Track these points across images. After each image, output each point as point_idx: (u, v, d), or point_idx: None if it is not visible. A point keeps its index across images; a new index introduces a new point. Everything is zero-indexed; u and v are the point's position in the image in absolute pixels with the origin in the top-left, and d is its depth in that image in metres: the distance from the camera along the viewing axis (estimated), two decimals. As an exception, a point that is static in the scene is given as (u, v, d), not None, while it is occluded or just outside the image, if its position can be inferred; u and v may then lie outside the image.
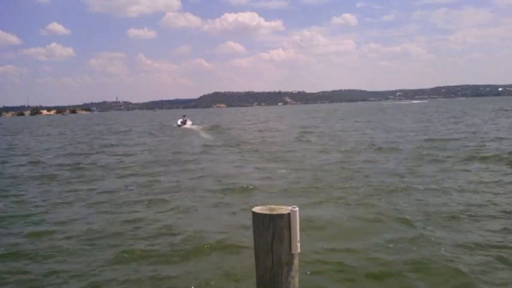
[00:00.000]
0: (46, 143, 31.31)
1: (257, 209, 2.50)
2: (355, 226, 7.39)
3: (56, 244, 7.02)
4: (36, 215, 8.92)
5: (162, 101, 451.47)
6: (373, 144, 19.60)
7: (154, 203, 9.62)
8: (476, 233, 6.73)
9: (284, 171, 13.27)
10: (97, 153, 21.64)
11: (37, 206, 9.74)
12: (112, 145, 26.05)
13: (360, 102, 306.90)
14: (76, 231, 7.65)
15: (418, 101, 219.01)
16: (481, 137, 20.90)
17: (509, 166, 12.50)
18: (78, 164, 17.02)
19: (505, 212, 7.84)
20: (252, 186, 10.82)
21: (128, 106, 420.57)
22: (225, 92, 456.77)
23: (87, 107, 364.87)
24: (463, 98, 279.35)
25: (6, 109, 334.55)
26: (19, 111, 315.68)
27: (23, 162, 18.46)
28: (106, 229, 7.72)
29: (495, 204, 8.42)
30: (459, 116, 44.72)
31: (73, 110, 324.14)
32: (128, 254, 6.42)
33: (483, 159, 14.05)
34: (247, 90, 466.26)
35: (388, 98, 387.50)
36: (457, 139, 20.52)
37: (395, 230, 7.10)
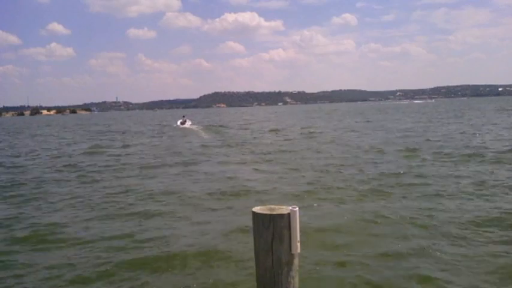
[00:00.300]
0: (44, 143, 31.26)
1: (257, 209, 2.50)
2: (353, 229, 7.33)
3: (43, 249, 6.90)
4: (26, 219, 8.70)
5: (162, 101, 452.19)
6: (373, 145, 19.60)
7: (150, 206, 9.40)
8: (475, 240, 6.61)
9: (283, 172, 13.26)
10: (93, 154, 21.43)
11: (29, 210, 9.56)
12: (110, 146, 25.86)
13: (359, 102, 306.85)
14: (65, 237, 7.39)
15: (419, 101, 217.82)
16: (482, 138, 20.92)
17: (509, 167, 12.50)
18: (72, 165, 16.78)
19: (504, 215, 7.80)
20: (250, 188, 10.70)
21: (127, 106, 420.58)
22: (225, 92, 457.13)
23: (87, 107, 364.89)
24: (465, 98, 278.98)
25: (6, 109, 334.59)
26: (19, 111, 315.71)
27: (18, 163, 18.42)
28: (97, 234, 7.47)
29: (495, 208, 8.40)
30: (462, 116, 44.68)
31: (73, 110, 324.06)
32: (120, 261, 6.18)
33: (484, 160, 14.06)
34: (247, 90, 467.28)
35: (388, 98, 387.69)
36: (459, 140, 20.53)
37: (392, 232, 7.08)
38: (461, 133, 23.85)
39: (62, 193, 11.29)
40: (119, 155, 19.96)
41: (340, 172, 12.71)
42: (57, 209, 9.51)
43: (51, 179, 13.57)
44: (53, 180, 13.34)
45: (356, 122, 43.04)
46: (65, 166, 16.57)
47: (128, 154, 20.34)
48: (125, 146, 24.91)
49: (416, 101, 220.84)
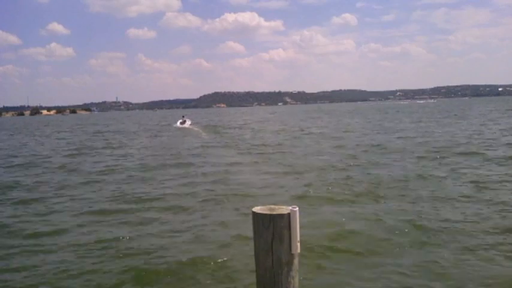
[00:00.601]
0: (42, 144, 31.21)
1: (257, 209, 2.51)
2: (352, 230, 7.32)
3: (25, 256, 6.67)
4: (20, 223, 8.45)
5: (162, 101, 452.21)
6: (373, 146, 19.59)
7: (147, 210, 9.14)
8: (474, 244, 6.59)
9: (283, 173, 13.24)
10: (91, 155, 21.04)
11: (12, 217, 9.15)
12: (108, 146, 25.59)
13: (359, 102, 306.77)
14: (57, 242, 7.16)
15: (420, 101, 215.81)
16: (485, 139, 20.90)
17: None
18: (69, 166, 16.48)
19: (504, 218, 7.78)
20: (250, 190, 10.55)
21: (127, 106, 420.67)
22: (225, 92, 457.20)
23: (87, 107, 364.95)
24: (466, 98, 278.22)
25: (6, 109, 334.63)
26: (19, 111, 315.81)
27: (13, 164, 18.33)
28: (90, 240, 7.20)
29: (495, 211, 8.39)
30: (463, 116, 44.63)
31: (73, 110, 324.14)
32: (116, 268, 5.93)
33: (491, 162, 14.06)
34: (247, 90, 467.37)
35: (388, 98, 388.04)
36: (461, 140, 20.51)
37: (390, 234, 7.08)
38: (464, 133, 23.85)
39: (56, 195, 11.05)
40: (116, 156, 19.82)
41: (340, 173, 12.68)
42: (52, 212, 9.29)
43: (47, 181, 13.32)
44: (49, 182, 13.08)
45: (356, 122, 43.05)
46: (61, 167, 16.39)
47: (126, 155, 20.19)
48: (124, 147, 24.85)
49: (419, 101, 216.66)
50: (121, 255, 6.48)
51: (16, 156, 21.31)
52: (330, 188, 10.47)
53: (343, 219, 7.82)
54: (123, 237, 7.27)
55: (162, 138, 30.44)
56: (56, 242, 7.25)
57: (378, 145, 19.30)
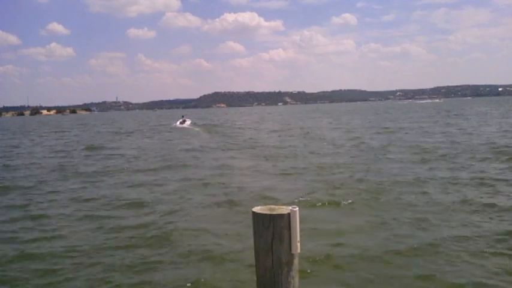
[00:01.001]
0: (38, 145, 31.21)
1: (257, 209, 2.50)
2: (351, 231, 7.34)
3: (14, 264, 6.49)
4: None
5: (162, 101, 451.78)
6: (374, 146, 19.60)
7: (143, 216, 8.91)
8: (475, 244, 6.65)
9: (283, 174, 13.22)
10: (87, 157, 20.36)
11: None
12: (105, 147, 25.26)
13: (359, 102, 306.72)
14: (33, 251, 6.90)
15: (426, 101, 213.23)
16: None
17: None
18: (60, 167, 16.30)
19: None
20: (249, 192, 10.43)
21: (127, 106, 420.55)
22: (225, 92, 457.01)
23: (87, 107, 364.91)
24: (469, 98, 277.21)
25: (6, 109, 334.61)
26: (19, 111, 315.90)
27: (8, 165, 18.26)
28: (81, 248, 6.92)
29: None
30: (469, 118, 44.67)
31: (73, 110, 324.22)
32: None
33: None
34: (247, 90, 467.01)
35: (388, 98, 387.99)
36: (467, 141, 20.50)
37: (388, 237, 7.07)
38: (462, 133, 23.84)
39: (51, 198, 10.79)
40: (114, 156, 19.68)
41: (340, 174, 12.69)
42: (43, 216, 9.03)
43: (44, 182, 13.17)
44: (45, 183, 12.91)
45: (356, 122, 43.06)
46: (57, 168, 16.22)
47: (124, 155, 20.04)
48: (122, 147, 24.80)
49: (422, 101, 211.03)
50: (107, 266, 6.18)
51: (12, 157, 21.20)
52: (330, 189, 10.46)
53: (343, 220, 7.82)
54: (114, 246, 7.00)
55: (161, 139, 30.42)
56: (39, 247, 7.03)
57: (378, 146, 19.31)
